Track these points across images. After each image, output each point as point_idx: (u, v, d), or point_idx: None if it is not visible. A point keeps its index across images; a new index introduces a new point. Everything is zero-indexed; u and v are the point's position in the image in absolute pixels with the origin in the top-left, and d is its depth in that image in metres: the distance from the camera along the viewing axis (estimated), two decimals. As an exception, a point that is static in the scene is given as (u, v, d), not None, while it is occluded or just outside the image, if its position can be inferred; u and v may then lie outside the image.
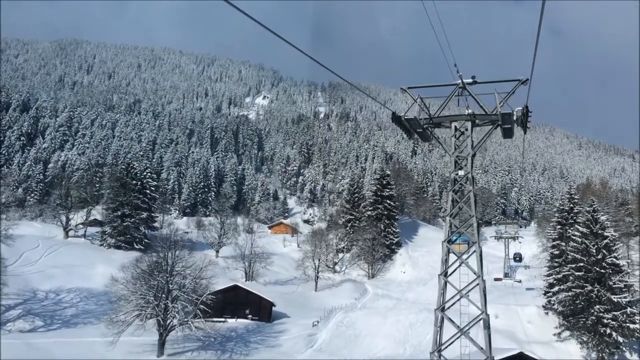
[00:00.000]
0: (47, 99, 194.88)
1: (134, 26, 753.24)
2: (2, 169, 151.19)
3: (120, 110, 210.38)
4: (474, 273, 15.85)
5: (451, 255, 16.83)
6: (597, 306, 44.68)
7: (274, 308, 59.36)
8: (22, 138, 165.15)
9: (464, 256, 16.53)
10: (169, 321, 41.21)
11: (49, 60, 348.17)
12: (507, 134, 16.53)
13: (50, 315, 54.83)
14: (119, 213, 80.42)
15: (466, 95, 16.19)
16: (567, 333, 48.64)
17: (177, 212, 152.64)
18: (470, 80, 15.88)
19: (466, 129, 16.52)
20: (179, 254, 45.71)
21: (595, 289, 45.48)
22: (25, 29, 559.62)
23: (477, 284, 15.87)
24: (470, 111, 16.20)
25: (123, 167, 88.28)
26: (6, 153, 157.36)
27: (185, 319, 41.33)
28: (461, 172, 16.38)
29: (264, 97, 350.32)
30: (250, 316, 56.42)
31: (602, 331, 43.97)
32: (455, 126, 16.69)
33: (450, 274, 17.02)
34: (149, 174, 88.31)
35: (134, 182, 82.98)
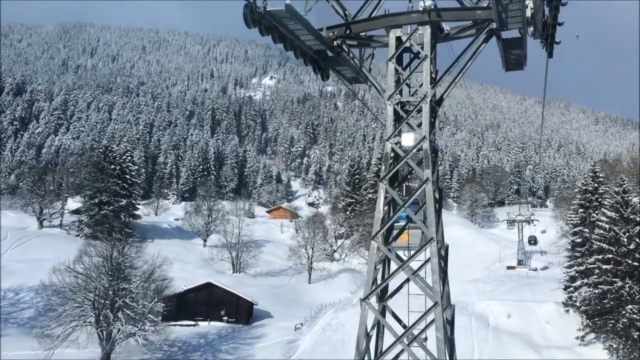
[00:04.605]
0: (42, 82, 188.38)
1: (139, 8, 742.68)
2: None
3: (117, 93, 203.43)
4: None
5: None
6: (630, 306, 37.33)
7: (255, 306, 52.62)
8: (15, 123, 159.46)
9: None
10: (113, 333, 34.58)
11: (52, 44, 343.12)
12: (513, 56, 9.04)
13: (4, 319, 48.50)
14: (96, 200, 73.91)
15: (422, -24, 8.65)
16: (592, 336, 41.47)
17: (175, 197, 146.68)
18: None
19: (422, 46, 8.75)
20: (128, 250, 38.69)
21: (627, 285, 38.09)
22: (29, 14, 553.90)
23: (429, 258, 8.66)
24: (429, 2, 8.59)
25: (100, 150, 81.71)
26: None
27: (132, 332, 34.63)
28: (407, 139, 8.72)
29: (271, 77, 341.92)
30: (225, 318, 49.72)
31: (635, 336, 36.70)
32: (399, 38, 9.02)
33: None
34: (129, 157, 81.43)
35: (113, 166, 76.27)
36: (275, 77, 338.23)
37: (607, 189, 48.63)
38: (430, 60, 8.80)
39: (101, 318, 34.39)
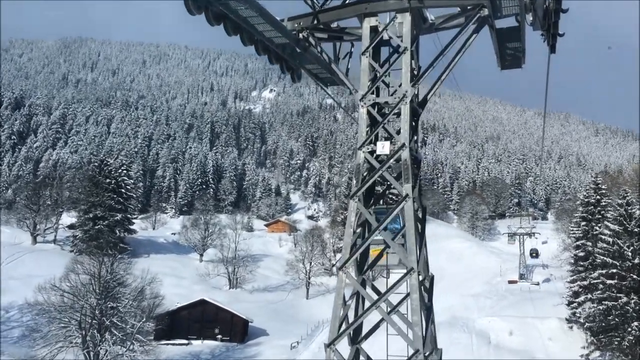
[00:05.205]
0: (41, 96, 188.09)
1: (139, 23, 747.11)
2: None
3: (116, 106, 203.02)
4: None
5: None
6: (636, 323, 36.07)
7: (251, 324, 51.36)
8: (13, 137, 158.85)
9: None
10: (100, 354, 33.34)
11: (52, 58, 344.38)
12: (509, 51, 7.99)
13: (-6, 338, 47.20)
14: (91, 215, 72.87)
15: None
16: (597, 354, 40.15)
17: (174, 210, 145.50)
18: None
19: (401, 38, 7.56)
20: (116, 267, 37.55)
21: (632, 300, 36.85)
22: (30, 29, 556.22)
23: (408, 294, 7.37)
24: None
25: (95, 164, 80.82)
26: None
27: (120, 353, 33.41)
28: (382, 147, 7.51)
29: (271, 90, 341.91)
30: (219, 336, 48.47)
31: (642, 354, 35.49)
32: (374, 27, 7.83)
33: None
34: (124, 171, 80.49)
35: (108, 180, 75.31)
36: (275, 90, 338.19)
37: (609, 201, 47.50)
38: (410, 54, 7.57)
39: (88, 339, 33.24)
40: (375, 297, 7.73)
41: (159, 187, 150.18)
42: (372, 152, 7.76)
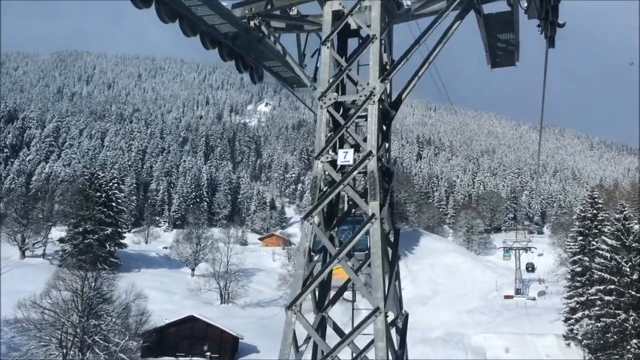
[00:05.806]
0: (35, 110, 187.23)
1: (135, 36, 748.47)
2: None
3: (110, 119, 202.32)
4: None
5: None
6: (635, 340, 35.22)
7: (241, 340, 50.16)
8: (5, 150, 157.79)
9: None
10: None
11: (48, 72, 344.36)
12: (500, 44, 6.86)
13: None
14: (81, 229, 71.72)
15: None
16: (595, 372, 39.18)
17: (167, 224, 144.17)
18: None
19: (369, 26, 6.12)
20: (100, 283, 36.39)
21: (631, 317, 36.00)
22: (25, 42, 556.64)
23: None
24: None
25: (86, 177, 79.75)
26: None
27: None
28: (345, 156, 6.22)
29: (266, 104, 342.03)
30: (208, 354, 47.23)
31: (642, 373, 34.54)
32: (337, 13, 6.50)
33: None
34: (115, 184, 79.47)
35: (98, 194, 74.27)
36: (270, 104, 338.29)
37: (606, 215, 46.80)
38: (380, 44, 6.21)
39: (69, 358, 32.06)
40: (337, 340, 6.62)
41: (152, 201, 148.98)
42: (333, 162, 6.48)
